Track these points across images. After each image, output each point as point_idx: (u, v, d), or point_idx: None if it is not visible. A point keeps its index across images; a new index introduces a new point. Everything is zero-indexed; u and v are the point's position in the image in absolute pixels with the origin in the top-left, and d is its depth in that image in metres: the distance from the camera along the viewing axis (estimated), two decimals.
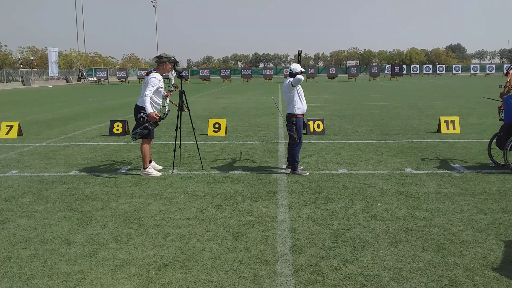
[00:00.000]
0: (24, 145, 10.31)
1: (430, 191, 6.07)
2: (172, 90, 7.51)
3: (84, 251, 4.26)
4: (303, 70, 7.10)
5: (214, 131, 11.47)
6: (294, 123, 7.09)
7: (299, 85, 7.07)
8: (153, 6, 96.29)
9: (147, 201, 5.82)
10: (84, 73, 69.51)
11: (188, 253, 4.17)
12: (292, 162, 7.17)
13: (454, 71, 69.48)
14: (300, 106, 7.08)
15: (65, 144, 10.48)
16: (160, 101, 7.25)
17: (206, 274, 3.75)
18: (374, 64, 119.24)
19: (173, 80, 7.43)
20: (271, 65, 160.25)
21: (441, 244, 4.29)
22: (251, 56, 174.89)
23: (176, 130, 7.61)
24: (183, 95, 7.51)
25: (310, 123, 11.24)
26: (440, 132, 11.19)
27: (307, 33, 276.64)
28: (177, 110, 7.53)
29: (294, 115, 7.07)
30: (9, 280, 3.69)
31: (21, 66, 66.24)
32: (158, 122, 7.15)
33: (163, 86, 7.27)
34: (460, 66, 71.56)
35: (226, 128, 11.62)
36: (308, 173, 7.12)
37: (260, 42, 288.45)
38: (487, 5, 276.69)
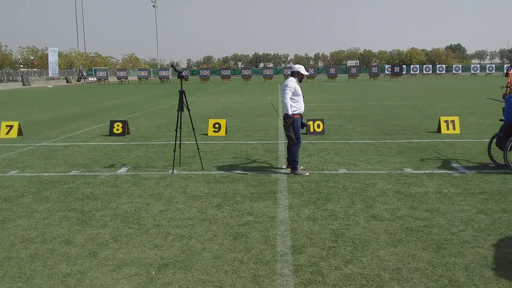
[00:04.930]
0: (24, 145, 10.32)
1: (430, 191, 6.07)
2: None
3: (84, 251, 4.26)
4: (307, 73, 7.21)
5: (214, 131, 11.47)
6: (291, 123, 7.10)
7: (298, 86, 7.09)
8: (153, 6, 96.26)
9: (147, 201, 5.82)
10: (84, 73, 69.55)
11: (188, 253, 4.17)
12: (292, 162, 7.17)
13: (454, 71, 69.50)
14: (297, 106, 7.09)
15: (65, 144, 10.48)
16: None
17: (206, 274, 3.75)
18: (374, 64, 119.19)
19: None
20: (271, 65, 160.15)
21: (441, 244, 4.29)
22: (251, 56, 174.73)
23: (176, 130, 7.61)
24: (183, 95, 7.52)
25: (310, 123, 11.24)
26: (440, 132, 11.19)
27: (307, 33, 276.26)
28: (177, 110, 7.54)
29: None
30: (9, 280, 3.69)
31: (21, 66, 66.21)
32: None
33: None
34: (460, 66, 71.58)
35: (226, 128, 11.62)
36: (308, 173, 7.12)
37: (260, 42, 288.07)
38: (487, 5, 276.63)
